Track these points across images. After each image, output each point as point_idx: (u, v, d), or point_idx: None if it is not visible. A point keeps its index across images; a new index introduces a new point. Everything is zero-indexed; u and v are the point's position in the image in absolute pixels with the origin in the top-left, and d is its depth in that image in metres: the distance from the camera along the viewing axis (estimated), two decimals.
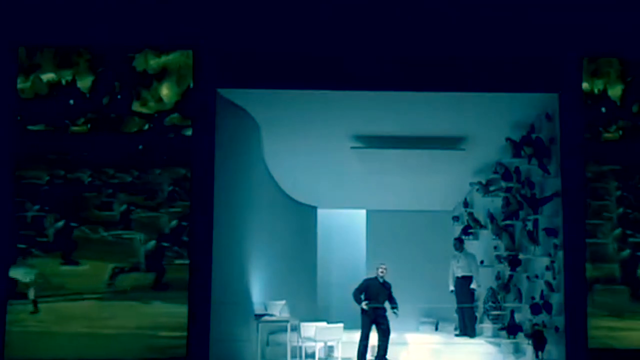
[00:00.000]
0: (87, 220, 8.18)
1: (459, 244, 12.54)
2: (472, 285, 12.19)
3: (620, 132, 8.53)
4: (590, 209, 8.51)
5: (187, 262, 8.12)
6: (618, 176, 8.52)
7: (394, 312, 10.28)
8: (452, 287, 12.35)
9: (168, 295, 8.05)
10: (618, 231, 8.49)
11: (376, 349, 10.20)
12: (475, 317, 12.02)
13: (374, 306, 10.21)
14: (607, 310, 8.38)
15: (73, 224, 8.15)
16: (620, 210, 8.49)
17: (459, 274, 12.30)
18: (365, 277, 10.97)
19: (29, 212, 8.16)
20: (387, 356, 10.18)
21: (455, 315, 12.32)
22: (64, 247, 8.12)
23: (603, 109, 8.50)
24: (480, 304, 11.68)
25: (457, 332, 12.16)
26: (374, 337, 10.27)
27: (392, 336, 10.32)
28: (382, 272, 10.38)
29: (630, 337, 8.27)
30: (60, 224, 8.14)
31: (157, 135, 8.28)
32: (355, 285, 10.42)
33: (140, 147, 8.25)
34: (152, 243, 8.16)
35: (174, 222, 8.20)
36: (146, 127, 8.27)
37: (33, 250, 8.09)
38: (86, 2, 8.38)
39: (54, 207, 8.17)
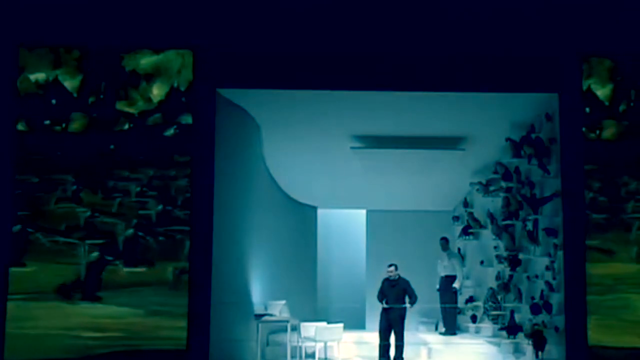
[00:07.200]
0: (42, 222, 7.99)
1: (445, 243, 12.70)
2: (455, 284, 12.34)
3: (598, 132, 8.48)
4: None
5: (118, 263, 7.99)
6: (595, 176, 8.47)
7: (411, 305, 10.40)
8: (438, 286, 12.57)
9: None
10: None
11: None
12: (456, 315, 12.23)
13: (386, 307, 10.33)
14: None
15: (29, 228, 7.96)
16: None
17: (443, 273, 12.48)
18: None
19: None
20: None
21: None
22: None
23: (587, 109, 8.47)
24: (481, 303, 11.73)
25: (443, 331, 12.26)
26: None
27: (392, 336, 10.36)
28: (389, 272, 10.51)
29: None
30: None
31: (140, 135, 8.16)
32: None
33: (112, 147, 8.09)
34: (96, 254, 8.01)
35: (130, 231, 8.06)
36: (126, 126, 8.13)
37: None
38: (86, 2, 8.37)
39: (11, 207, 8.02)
